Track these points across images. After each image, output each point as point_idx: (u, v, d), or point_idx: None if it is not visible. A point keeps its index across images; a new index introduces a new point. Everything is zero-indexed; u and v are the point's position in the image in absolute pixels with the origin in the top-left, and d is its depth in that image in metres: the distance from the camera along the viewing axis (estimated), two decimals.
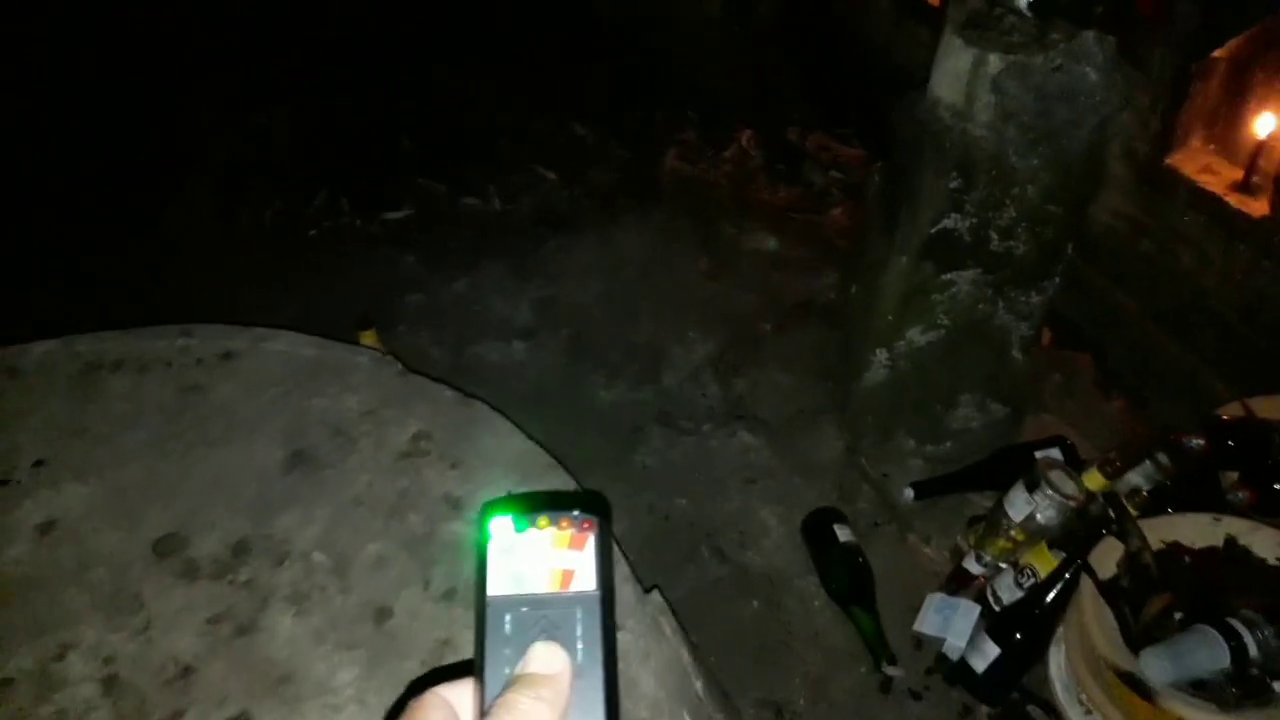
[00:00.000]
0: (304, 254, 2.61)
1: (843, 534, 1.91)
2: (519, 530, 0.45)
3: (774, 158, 3.01)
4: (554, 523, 0.45)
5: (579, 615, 0.44)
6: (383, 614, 1.16)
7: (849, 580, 1.87)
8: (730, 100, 3.15)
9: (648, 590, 1.22)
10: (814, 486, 2.07)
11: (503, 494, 1.32)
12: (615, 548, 1.25)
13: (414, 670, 1.11)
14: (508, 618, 0.44)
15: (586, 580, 0.44)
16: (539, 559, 0.45)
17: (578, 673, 0.43)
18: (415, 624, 1.15)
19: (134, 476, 1.29)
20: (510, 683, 0.42)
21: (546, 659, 0.43)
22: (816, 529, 1.95)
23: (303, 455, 1.34)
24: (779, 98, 3.18)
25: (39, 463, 1.30)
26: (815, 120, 3.12)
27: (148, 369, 1.45)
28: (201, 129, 2.96)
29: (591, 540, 0.45)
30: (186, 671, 1.09)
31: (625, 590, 1.20)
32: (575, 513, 0.46)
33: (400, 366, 1.53)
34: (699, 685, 1.23)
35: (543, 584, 0.44)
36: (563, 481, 1.35)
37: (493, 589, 0.45)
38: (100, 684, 1.07)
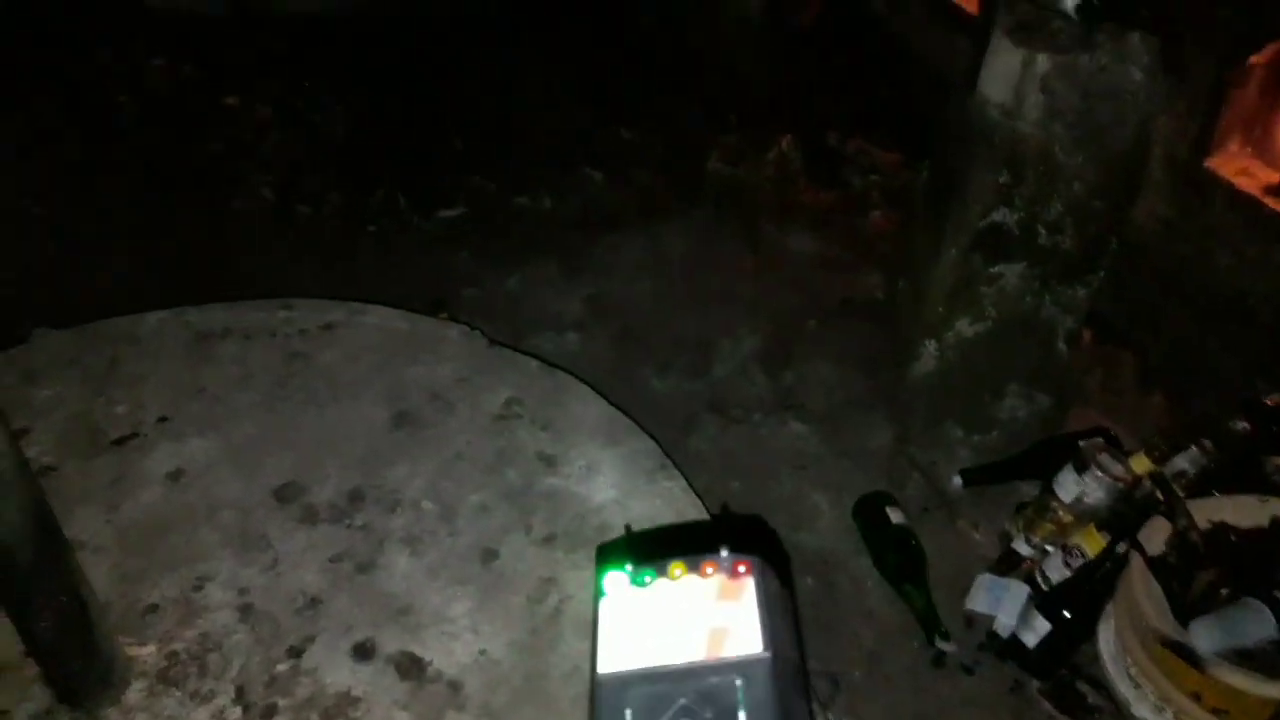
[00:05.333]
0: (362, 248, 2.76)
1: (895, 516, 2.03)
2: (642, 584, 0.35)
3: (814, 161, 3.16)
4: (693, 569, 0.35)
5: (740, 689, 0.32)
6: (489, 555, 1.30)
7: (902, 559, 1.99)
8: (770, 103, 3.30)
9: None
10: (864, 473, 2.19)
11: (622, 533, 1.21)
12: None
13: (521, 604, 1.24)
14: (630, 701, 0.32)
15: (748, 639, 0.33)
16: (675, 618, 0.34)
17: None
18: (520, 564, 1.28)
19: (251, 432, 1.43)
20: None
21: None
22: (868, 511, 2.07)
23: (405, 416, 1.48)
24: (818, 101, 3.33)
25: (163, 419, 1.45)
26: (853, 124, 3.27)
27: (254, 337, 1.60)
28: (260, 126, 3.13)
29: (751, 586, 0.34)
30: (314, 602, 1.23)
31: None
32: (723, 553, 0.35)
33: (487, 339, 1.68)
34: None
35: (682, 650, 0.33)
36: (644, 444, 1.48)
37: (606, 664, 0.33)
38: (237, 611, 1.21)
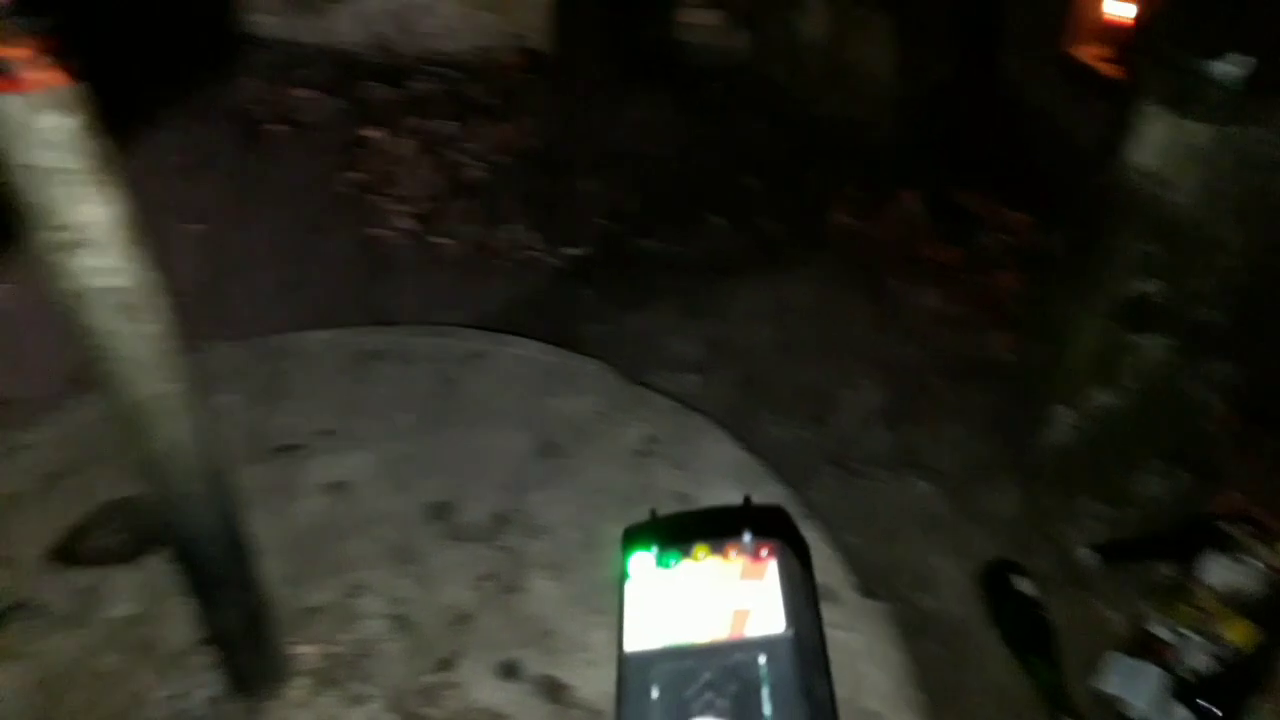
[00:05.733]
0: (493, 281, 2.86)
1: (1023, 585, 1.99)
2: (667, 565, 0.35)
3: (940, 217, 3.15)
4: (716, 551, 0.35)
5: (763, 668, 0.32)
6: None
7: (1029, 631, 1.94)
8: (896, 158, 3.31)
9: (872, 598, 1.35)
10: (990, 539, 2.15)
11: (647, 516, 1.25)
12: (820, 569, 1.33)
13: None
14: (656, 678, 0.32)
15: (770, 619, 0.32)
16: (699, 599, 0.33)
17: None
18: None
19: (406, 450, 1.51)
20: None
21: None
22: (995, 579, 2.04)
23: (549, 445, 1.54)
24: (946, 159, 3.33)
25: (325, 432, 1.53)
26: (982, 183, 3.25)
27: (410, 360, 1.69)
28: (400, 159, 3.30)
29: (773, 568, 0.34)
30: (463, 619, 1.28)
31: (848, 594, 1.34)
32: (745, 538, 0.35)
33: (623, 376, 1.73)
34: (922, 695, 1.34)
35: (705, 630, 0.33)
36: (778, 492, 1.50)
37: (632, 643, 0.33)
38: (391, 620, 1.27)
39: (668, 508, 1.43)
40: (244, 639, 1.14)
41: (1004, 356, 2.70)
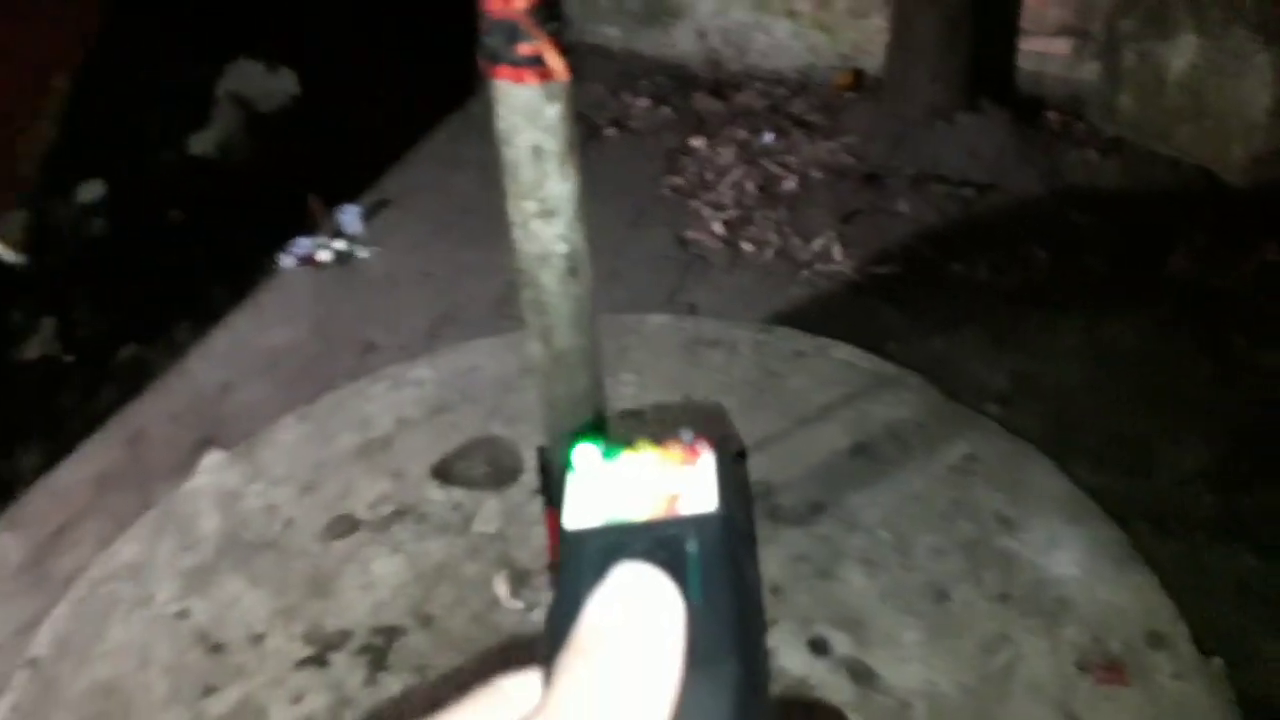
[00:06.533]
0: (794, 291, 2.96)
1: None
2: (608, 458, 0.38)
3: None
4: (656, 444, 0.38)
5: (691, 542, 0.35)
6: (941, 595, 1.36)
7: None
8: (1261, 208, 3.01)
9: (1208, 654, 1.29)
10: None
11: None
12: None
13: (971, 651, 1.29)
14: (590, 549, 0.36)
15: (702, 501, 0.36)
16: (635, 486, 0.38)
17: (694, 611, 0.33)
18: (971, 613, 1.33)
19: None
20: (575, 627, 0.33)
21: (632, 584, 0.33)
22: None
23: (865, 448, 1.60)
24: None
25: (660, 405, 1.70)
26: None
27: (737, 351, 1.82)
28: (720, 169, 3.49)
29: (707, 459, 0.38)
30: (776, 590, 1.37)
31: (1183, 645, 1.28)
32: (684, 433, 0.39)
33: (943, 394, 1.75)
34: None
35: (640, 510, 0.37)
36: (1111, 532, 1.45)
37: (571, 523, 0.37)
38: None
39: (987, 525, 1.45)
40: None
41: None
